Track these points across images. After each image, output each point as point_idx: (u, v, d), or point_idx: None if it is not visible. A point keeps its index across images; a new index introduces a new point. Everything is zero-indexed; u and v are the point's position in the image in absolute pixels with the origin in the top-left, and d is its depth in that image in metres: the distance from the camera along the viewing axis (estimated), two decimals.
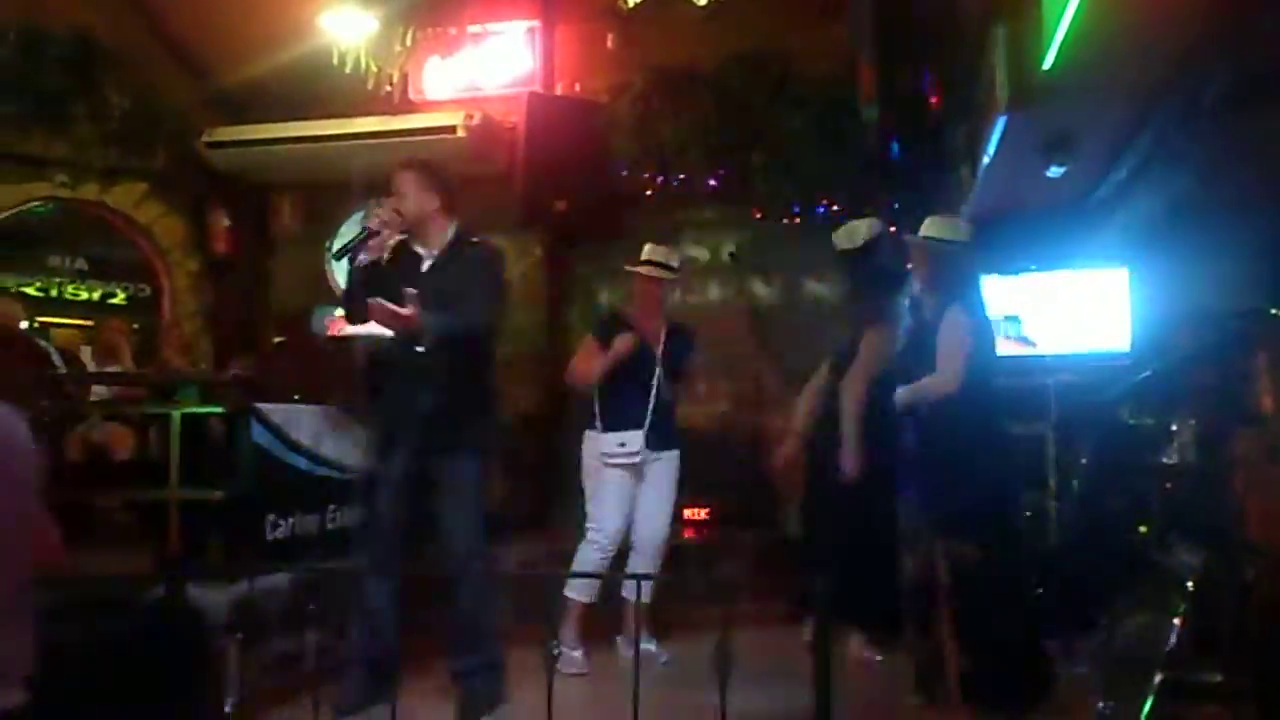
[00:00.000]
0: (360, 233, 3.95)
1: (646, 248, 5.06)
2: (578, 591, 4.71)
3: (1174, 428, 5.00)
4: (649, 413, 4.79)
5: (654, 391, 4.81)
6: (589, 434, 4.93)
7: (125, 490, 5.26)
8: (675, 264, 5.07)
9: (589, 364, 4.88)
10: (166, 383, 5.70)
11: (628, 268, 5.10)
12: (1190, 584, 4.35)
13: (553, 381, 7.15)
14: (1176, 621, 3.98)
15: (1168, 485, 4.96)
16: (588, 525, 4.87)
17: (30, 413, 5.31)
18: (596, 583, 4.69)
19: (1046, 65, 4.18)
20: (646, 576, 4.67)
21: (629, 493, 4.82)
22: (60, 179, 7.78)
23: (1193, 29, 3.98)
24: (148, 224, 8.29)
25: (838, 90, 7.36)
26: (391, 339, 4.05)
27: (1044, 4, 4.18)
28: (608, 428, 4.81)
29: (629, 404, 4.78)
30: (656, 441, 4.83)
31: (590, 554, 4.77)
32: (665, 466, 4.91)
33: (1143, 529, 4.90)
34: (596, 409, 4.89)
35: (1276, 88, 4.36)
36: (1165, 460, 4.98)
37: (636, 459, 4.77)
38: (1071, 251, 6.31)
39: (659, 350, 4.90)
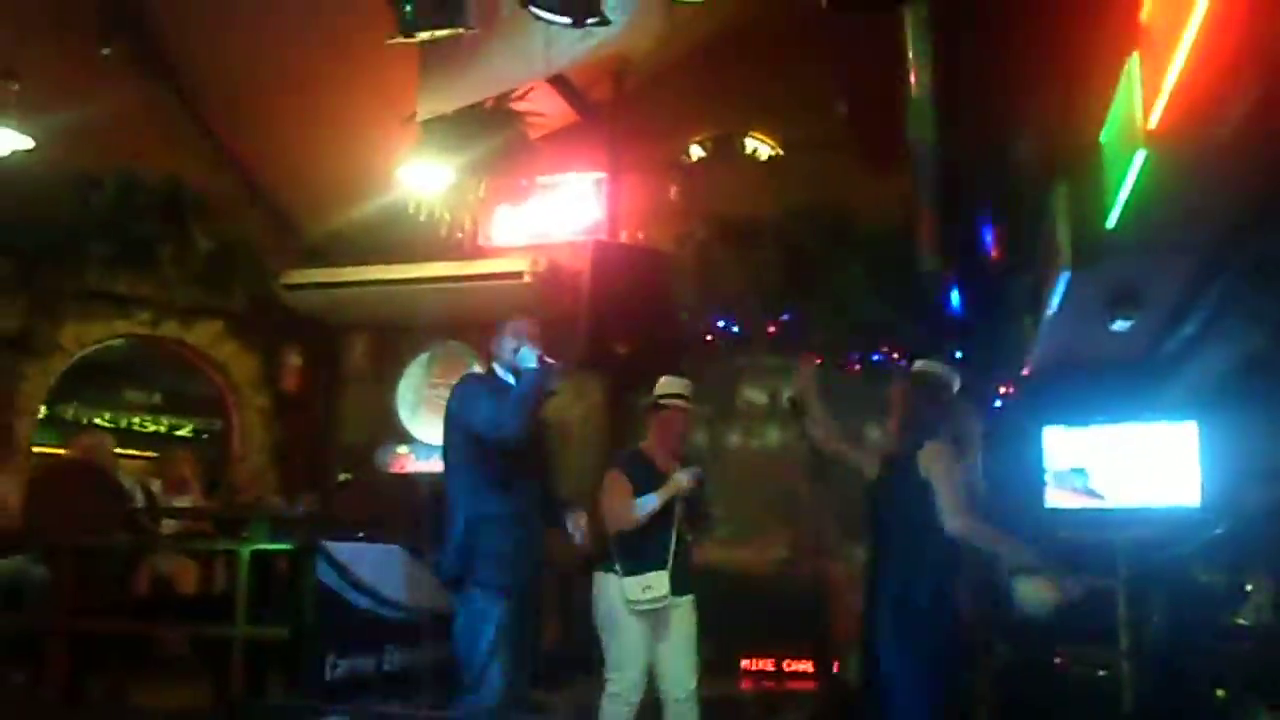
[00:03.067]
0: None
1: (663, 380, 4.75)
2: None
3: (1249, 587, 4.87)
4: (671, 554, 4.49)
5: (675, 530, 4.55)
6: (604, 576, 4.53)
7: (191, 625, 5.29)
8: (689, 393, 4.96)
9: (627, 505, 4.74)
10: (238, 518, 5.79)
11: (645, 401, 4.79)
12: None
13: None
14: None
15: (1245, 646, 4.81)
16: (607, 676, 4.65)
17: (103, 543, 5.46)
18: None
19: (1110, 223, 4.22)
20: None
21: (649, 639, 4.51)
22: (143, 317, 8.09)
23: (1262, 187, 3.99)
24: (223, 361, 8.57)
25: (896, 240, 7.47)
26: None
27: (1106, 162, 4.25)
28: (629, 570, 4.46)
29: (652, 544, 4.45)
30: (676, 585, 4.54)
31: (612, 707, 4.56)
32: (685, 611, 4.72)
33: (1219, 692, 4.73)
34: (614, 549, 4.49)
35: None
36: (1241, 620, 4.84)
37: (663, 604, 4.46)
38: (1137, 405, 6.26)
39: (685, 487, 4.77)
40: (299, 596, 4.86)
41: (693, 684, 4.56)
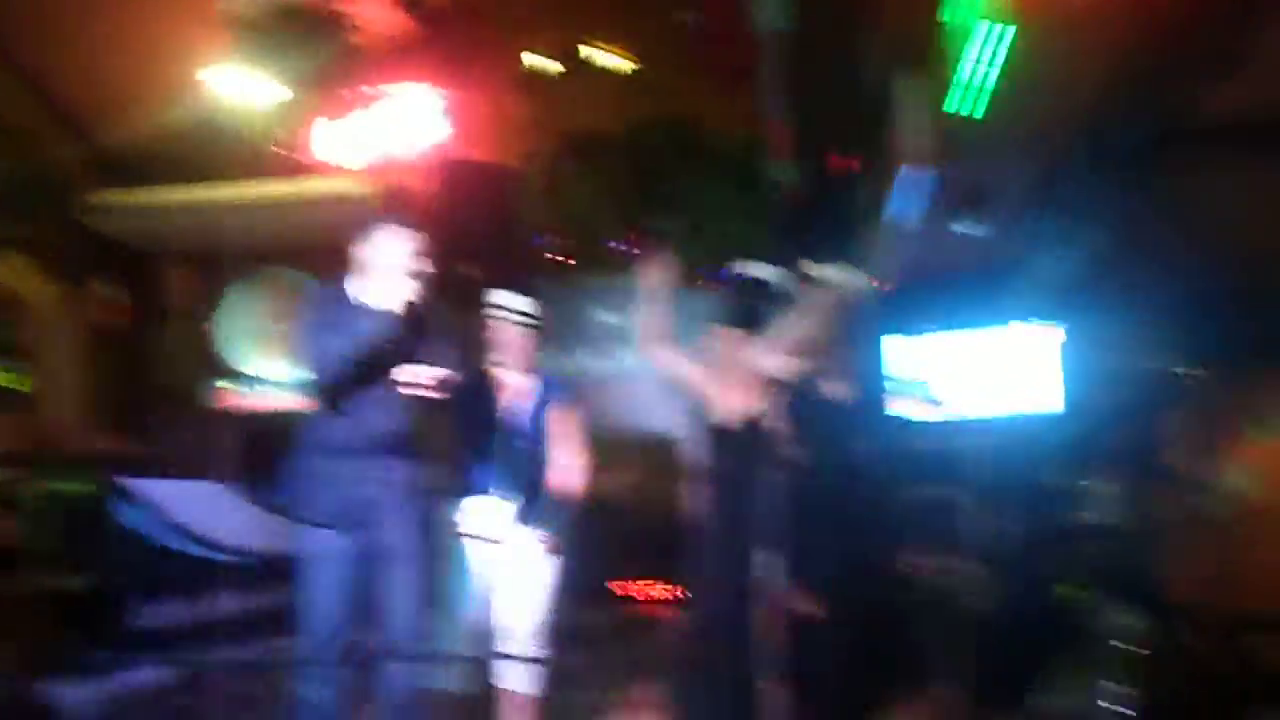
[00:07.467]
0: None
1: (500, 295, 4.41)
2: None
3: (1095, 488, 4.97)
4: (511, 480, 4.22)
5: (514, 456, 4.26)
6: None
7: None
8: (534, 311, 4.57)
9: None
10: (28, 459, 5.28)
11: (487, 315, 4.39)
12: (1134, 649, 4.24)
13: None
14: (1124, 689, 3.86)
15: (1093, 548, 4.90)
16: None
17: None
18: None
19: (953, 116, 4.14)
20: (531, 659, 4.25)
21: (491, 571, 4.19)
22: None
23: (1098, 82, 4.00)
24: (27, 295, 7.88)
25: (749, 153, 7.31)
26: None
27: (948, 58, 4.15)
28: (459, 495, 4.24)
29: (486, 470, 4.18)
30: (523, 514, 4.28)
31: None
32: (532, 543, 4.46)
33: (1075, 593, 4.80)
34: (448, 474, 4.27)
35: (1186, 144, 4.37)
36: (1088, 521, 4.94)
37: (493, 529, 4.17)
38: (986, 312, 6.29)
39: (526, 411, 4.44)
40: (97, 542, 4.43)
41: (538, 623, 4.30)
